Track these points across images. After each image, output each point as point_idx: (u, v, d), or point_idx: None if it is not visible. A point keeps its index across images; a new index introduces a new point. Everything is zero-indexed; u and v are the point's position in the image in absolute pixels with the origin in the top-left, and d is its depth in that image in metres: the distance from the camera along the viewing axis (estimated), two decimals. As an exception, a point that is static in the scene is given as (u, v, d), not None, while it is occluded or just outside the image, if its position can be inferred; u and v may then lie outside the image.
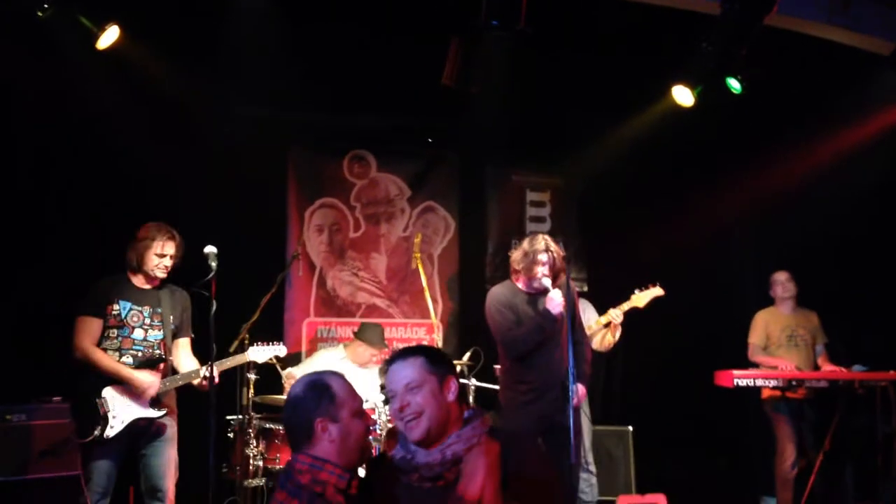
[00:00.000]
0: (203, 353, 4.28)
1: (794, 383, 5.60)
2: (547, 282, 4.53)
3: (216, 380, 4.20)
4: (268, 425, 5.33)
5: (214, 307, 4.15)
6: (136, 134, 5.90)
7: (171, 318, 4.38)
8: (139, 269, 4.34)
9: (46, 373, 4.94)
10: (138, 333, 4.25)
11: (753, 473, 6.62)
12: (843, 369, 5.67)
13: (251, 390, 5.21)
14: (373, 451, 2.44)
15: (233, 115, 6.39)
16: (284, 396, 4.78)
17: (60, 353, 4.31)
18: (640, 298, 5.60)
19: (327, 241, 7.14)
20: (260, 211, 6.68)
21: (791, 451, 5.74)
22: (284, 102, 6.50)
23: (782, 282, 6.00)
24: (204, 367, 4.30)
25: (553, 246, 4.61)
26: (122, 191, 5.92)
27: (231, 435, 5.29)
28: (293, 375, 5.68)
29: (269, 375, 5.49)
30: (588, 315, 5.80)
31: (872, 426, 5.61)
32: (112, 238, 5.75)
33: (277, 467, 5.19)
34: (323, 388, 2.41)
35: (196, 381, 4.33)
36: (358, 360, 5.96)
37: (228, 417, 5.33)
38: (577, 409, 4.57)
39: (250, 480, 5.14)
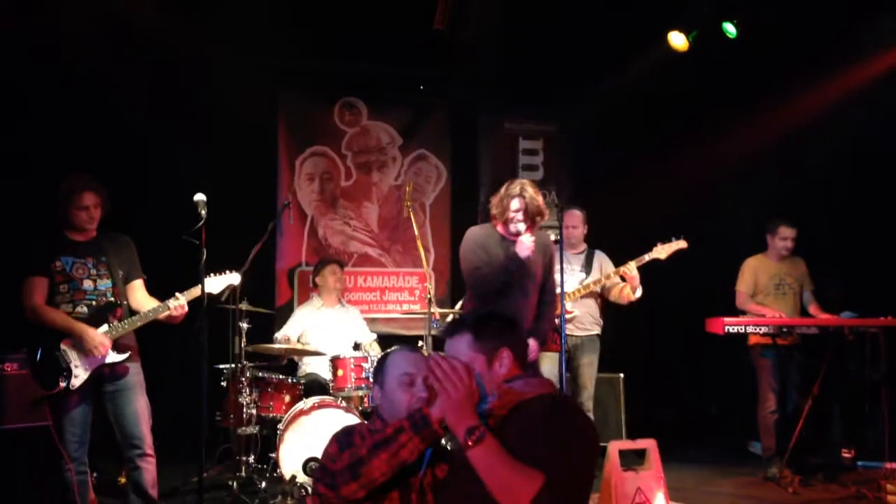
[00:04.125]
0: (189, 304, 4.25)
1: (784, 330, 5.61)
2: (521, 226, 4.50)
3: (185, 309, 4.22)
4: (260, 374, 5.35)
5: (204, 255, 4.15)
6: (123, 81, 5.80)
7: (118, 264, 4.29)
8: (67, 223, 4.22)
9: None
10: (88, 284, 4.19)
11: (743, 419, 6.69)
12: (834, 316, 5.70)
13: (243, 339, 5.21)
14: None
15: (223, 62, 6.28)
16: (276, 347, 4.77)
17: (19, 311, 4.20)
18: (662, 251, 5.57)
19: (318, 190, 7.09)
20: (250, 159, 6.63)
21: (772, 399, 5.77)
22: (275, 49, 6.40)
23: (789, 237, 5.88)
24: (171, 300, 4.26)
25: (529, 191, 4.52)
26: (110, 139, 5.83)
27: (224, 383, 5.31)
28: (287, 337, 5.78)
29: (261, 324, 5.48)
30: (605, 266, 5.78)
31: (861, 373, 5.66)
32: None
33: (270, 415, 5.23)
34: (381, 361, 2.68)
35: (164, 315, 4.26)
36: (328, 300, 6.04)
37: (221, 366, 5.35)
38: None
39: (244, 428, 5.17)
